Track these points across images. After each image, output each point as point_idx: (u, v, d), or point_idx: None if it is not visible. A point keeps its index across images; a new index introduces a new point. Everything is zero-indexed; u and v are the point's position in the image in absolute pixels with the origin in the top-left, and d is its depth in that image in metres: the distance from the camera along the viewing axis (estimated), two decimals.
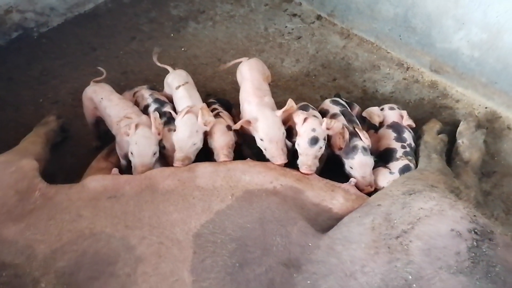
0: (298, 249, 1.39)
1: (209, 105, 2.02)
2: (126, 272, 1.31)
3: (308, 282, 1.30)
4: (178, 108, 1.99)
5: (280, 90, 2.43)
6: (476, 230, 1.31)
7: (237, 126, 1.82)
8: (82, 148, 2.24)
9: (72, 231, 1.42)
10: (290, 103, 1.83)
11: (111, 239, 1.40)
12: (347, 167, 1.85)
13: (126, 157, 1.87)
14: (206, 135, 1.86)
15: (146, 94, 2.12)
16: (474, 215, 1.38)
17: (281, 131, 1.79)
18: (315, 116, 1.87)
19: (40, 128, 2.14)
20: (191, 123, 1.80)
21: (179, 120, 1.82)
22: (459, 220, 1.34)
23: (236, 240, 1.40)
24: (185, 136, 1.78)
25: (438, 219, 1.36)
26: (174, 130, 1.84)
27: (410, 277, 1.22)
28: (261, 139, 1.78)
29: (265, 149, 1.79)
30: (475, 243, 1.27)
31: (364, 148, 1.83)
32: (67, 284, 1.28)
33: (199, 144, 1.82)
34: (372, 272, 1.27)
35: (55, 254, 1.35)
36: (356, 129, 1.90)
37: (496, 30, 2.01)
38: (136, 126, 1.78)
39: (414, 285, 1.21)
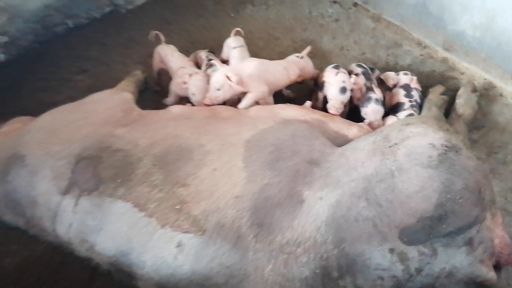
0: (319, 153, 1.95)
1: None
2: (199, 158, 1.91)
3: (324, 172, 1.86)
4: (231, 64, 2.62)
5: (318, 60, 2.97)
6: (447, 145, 1.82)
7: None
8: (160, 96, 2.88)
9: (162, 133, 2.04)
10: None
11: (189, 139, 2.00)
12: (362, 113, 2.40)
13: (178, 99, 2.53)
14: None
15: (203, 55, 2.76)
16: (450, 138, 1.90)
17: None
18: (344, 72, 2.44)
19: (130, 77, 2.79)
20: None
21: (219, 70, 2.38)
22: (437, 139, 1.86)
23: (274, 145, 1.96)
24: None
25: (422, 137, 1.88)
26: None
27: (394, 168, 1.76)
28: None
29: None
30: (444, 151, 1.79)
31: (377, 99, 2.38)
32: (160, 162, 1.89)
33: None
34: (368, 166, 1.82)
35: (152, 144, 1.97)
36: (372, 85, 2.45)
37: (492, 15, 2.52)
38: (190, 75, 2.41)
39: (396, 173, 1.74)
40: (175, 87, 2.49)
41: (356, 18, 3.30)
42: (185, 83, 2.38)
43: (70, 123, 2.08)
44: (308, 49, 2.63)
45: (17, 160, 1.97)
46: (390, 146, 1.88)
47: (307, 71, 2.60)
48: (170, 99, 2.57)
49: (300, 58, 2.58)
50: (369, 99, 2.38)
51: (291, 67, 2.52)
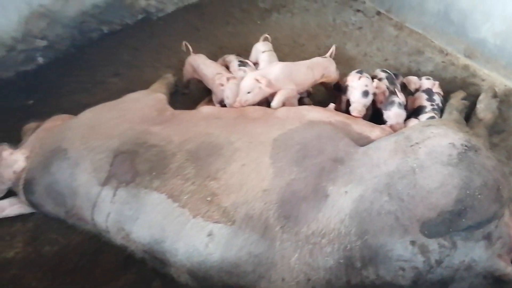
0: (343, 152, 2.04)
1: None
2: (228, 154, 2.02)
3: (348, 170, 1.95)
4: (261, 67, 2.75)
5: (341, 66, 3.04)
6: (466, 145, 1.90)
7: None
8: (188, 99, 3.01)
9: (194, 131, 2.15)
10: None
11: (219, 137, 2.11)
12: (385, 116, 2.48)
13: (219, 102, 2.63)
14: None
15: (232, 58, 2.91)
16: (469, 138, 1.97)
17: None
18: (367, 77, 2.54)
19: (162, 80, 2.93)
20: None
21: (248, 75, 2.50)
22: (457, 139, 1.93)
23: (300, 144, 2.05)
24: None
25: (442, 137, 1.96)
26: None
27: (415, 165, 1.84)
28: None
29: None
30: (463, 150, 1.87)
31: (400, 103, 2.47)
32: (193, 157, 2.01)
33: None
34: (390, 164, 1.90)
35: (185, 141, 2.09)
36: (395, 89, 2.54)
37: None
38: (228, 79, 2.53)
39: (417, 170, 1.82)
40: (216, 90, 2.62)
41: (379, 26, 3.40)
42: (222, 85, 2.50)
43: (108, 120, 2.23)
44: (332, 49, 2.74)
45: (59, 153, 2.11)
46: (412, 146, 1.96)
47: (330, 71, 2.68)
48: (215, 101, 2.69)
49: (324, 57, 2.70)
50: (392, 102, 2.46)
51: (316, 67, 2.62)
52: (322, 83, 2.72)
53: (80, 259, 2.17)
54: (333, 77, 2.73)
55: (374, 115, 2.57)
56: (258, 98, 2.42)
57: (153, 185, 1.95)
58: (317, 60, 2.69)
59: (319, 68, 2.63)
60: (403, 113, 2.46)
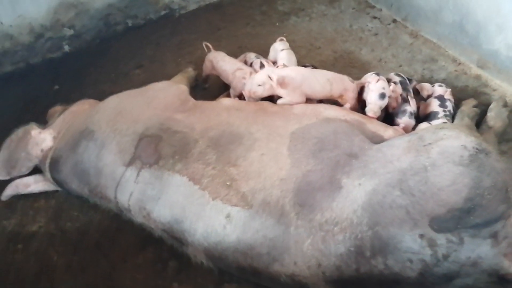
0: (357, 148, 2.13)
1: None
2: (249, 143, 2.12)
3: (362, 164, 2.03)
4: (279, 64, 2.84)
5: (356, 70, 3.17)
6: (477, 148, 1.97)
7: None
8: (207, 93, 3.11)
9: (216, 120, 2.25)
10: None
11: (240, 127, 2.21)
12: (396, 123, 2.57)
13: (238, 96, 2.74)
14: None
15: (252, 56, 3.03)
16: (481, 142, 2.05)
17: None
18: (384, 80, 2.62)
19: (183, 73, 3.05)
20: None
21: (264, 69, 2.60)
22: (468, 142, 2.00)
23: (317, 138, 2.14)
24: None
25: (454, 139, 2.02)
26: None
27: (427, 163, 1.92)
28: None
29: None
30: (474, 153, 1.95)
31: (411, 113, 2.54)
32: (214, 144, 2.11)
33: None
34: (403, 161, 1.98)
35: (207, 129, 2.19)
36: (408, 96, 2.62)
37: None
38: (250, 73, 2.63)
39: (429, 168, 1.90)
40: (236, 84, 2.72)
41: (395, 33, 3.49)
42: (244, 78, 2.60)
43: (134, 106, 2.34)
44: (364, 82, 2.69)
45: (87, 135, 2.23)
46: (425, 145, 2.04)
47: (349, 96, 2.60)
48: (233, 95, 2.78)
49: (351, 81, 2.65)
50: (404, 112, 2.53)
51: (337, 82, 2.58)
52: None
53: (101, 237, 2.27)
54: (350, 101, 2.64)
55: (385, 118, 2.66)
56: (266, 93, 2.49)
57: (175, 168, 2.05)
58: (342, 78, 2.63)
59: (340, 87, 2.58)
60: (413, 123, 2.53)
